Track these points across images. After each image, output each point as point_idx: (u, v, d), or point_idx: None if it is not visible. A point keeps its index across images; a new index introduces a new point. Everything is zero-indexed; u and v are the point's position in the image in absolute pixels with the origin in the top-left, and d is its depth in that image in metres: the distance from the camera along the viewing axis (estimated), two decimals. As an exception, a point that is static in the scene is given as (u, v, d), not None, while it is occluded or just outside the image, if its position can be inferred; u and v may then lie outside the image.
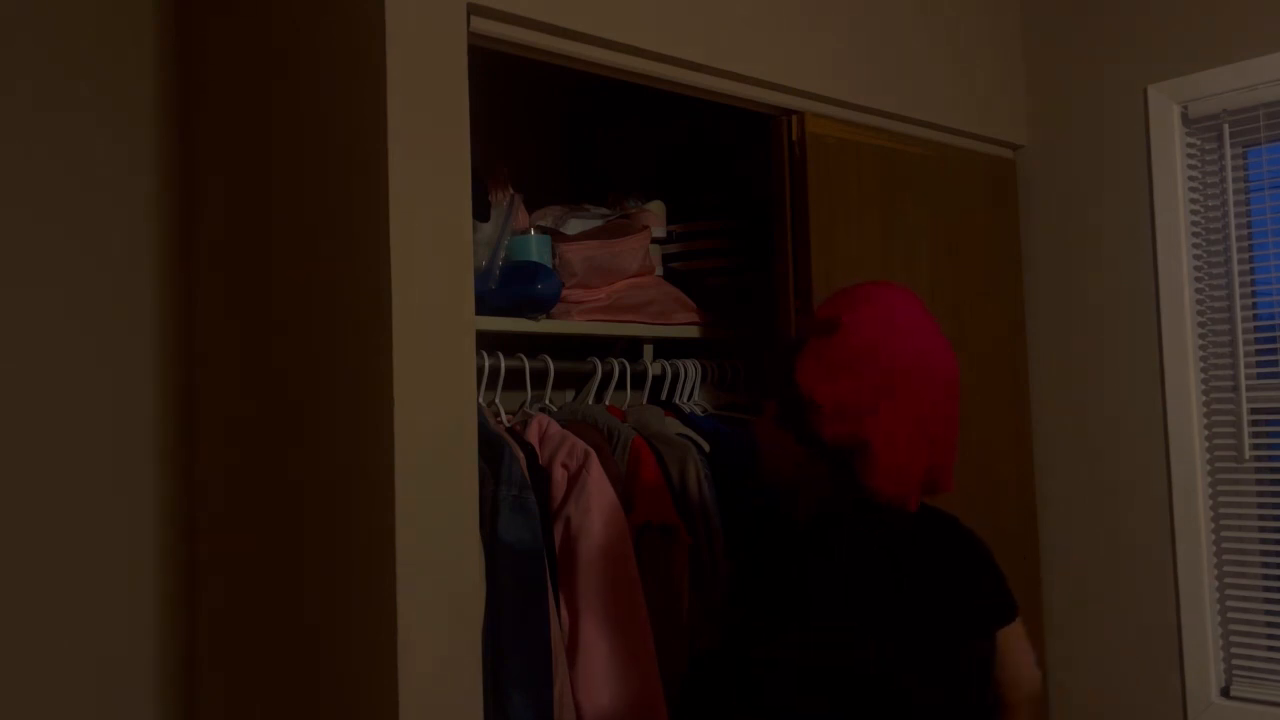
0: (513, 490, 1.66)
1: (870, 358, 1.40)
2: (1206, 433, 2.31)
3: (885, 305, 1.45)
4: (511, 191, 1.93)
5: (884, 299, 1.47)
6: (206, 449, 1.87)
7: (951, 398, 1.45)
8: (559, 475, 1.80)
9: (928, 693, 1.41)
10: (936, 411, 1.42)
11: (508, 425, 1.89)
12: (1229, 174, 2.29)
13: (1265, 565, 2.25)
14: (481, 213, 1.79)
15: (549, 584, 1.67)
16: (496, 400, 1.88)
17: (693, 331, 2.16)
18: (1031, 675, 1.59)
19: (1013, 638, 1.56)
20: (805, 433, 1.43)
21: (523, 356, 1.91)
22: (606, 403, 2.09)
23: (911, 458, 1.41)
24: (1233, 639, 2.28)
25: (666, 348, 2.28)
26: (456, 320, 1.53)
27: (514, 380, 1.92)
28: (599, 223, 2.18)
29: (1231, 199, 2.30)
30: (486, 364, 1.84)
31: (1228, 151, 2.29)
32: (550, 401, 2.00)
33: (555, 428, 1.87)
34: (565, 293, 1.95)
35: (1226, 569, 2.29)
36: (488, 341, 1.83)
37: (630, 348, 2.29)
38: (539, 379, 1.94)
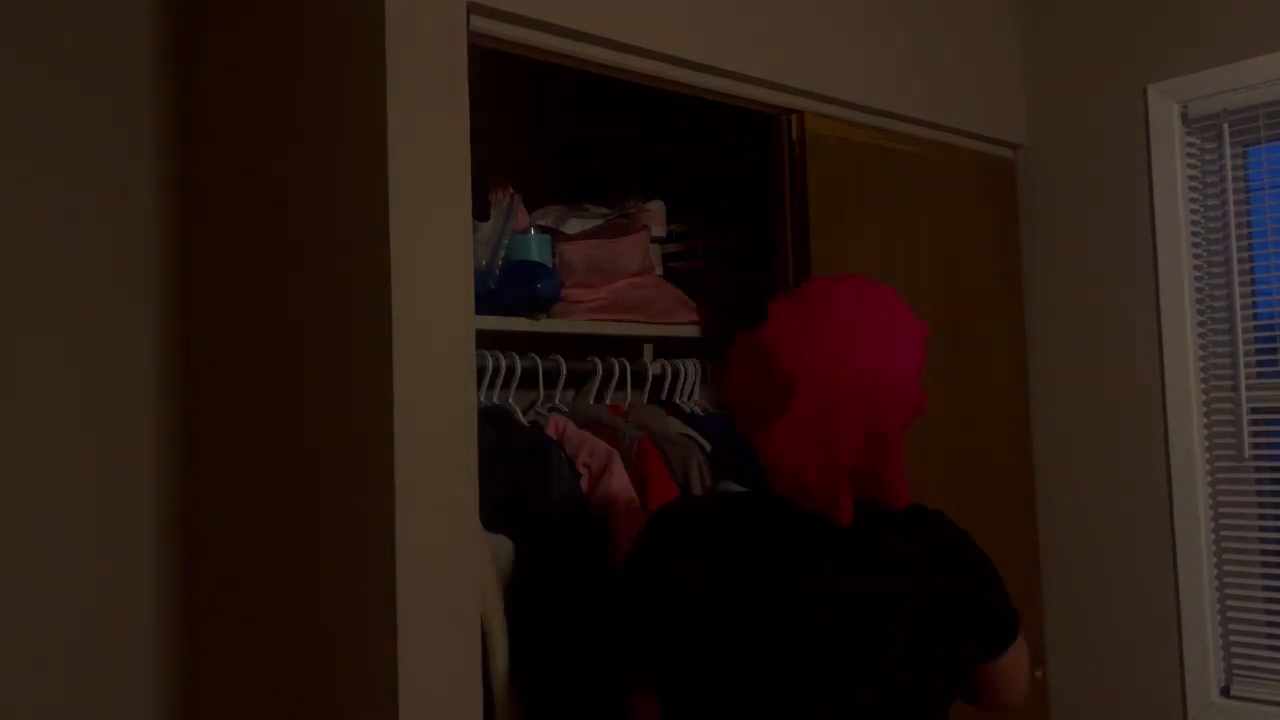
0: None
1: (768, 359, 1.36)
2: (1206, 432, 2.31)
3: (818, 303, 1.38)
4: (511, 191, 1.93)
5: (815, 297, 1.40)
6: (205, 449, 1.87)
7: (869, 404, 1.33)
8: (581, 474, 1.85)
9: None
10: (843, 418, 1.32)
11: (527, 424, 1.91)
12: (1229, 174, 2.29)
13: (1265, 565, 2.25)
14: (481, 213, 1.79)
15: None
16: (510, 399, 1.90)
17: (693, 331, 2.16)
18: (1007, 703, 1.51)
19: (999, 670, 1.47)
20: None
21: (535, 357, 1.92)
22: (607, 402, 2.09)
23: (809, 464, 1.32)
24: (1233, 638, 2.28)
25: (666, 347, 2.28)
26: (456, 320, 1.53)
27: (508, 378, 1.92)
28: (599, 222, 2.18)
29: (1231, 199, 2.30)
30: (503, 364, 1.85)
31: (1227, 151, 2.29)
32: (560, 402, 2.02)
33: (573, 428, 1.90)
34: (565, 292, 1.95)
35: (1226, 569, 2.29)
36: (488, 341, 1.83)
37: (630, 347, 2.29)
38: (531, 378, 1.95)
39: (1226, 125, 2.28)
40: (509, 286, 1.85)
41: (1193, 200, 2.34)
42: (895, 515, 1.40)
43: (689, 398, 2.19)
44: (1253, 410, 2.26)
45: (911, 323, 1.43)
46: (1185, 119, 2.34)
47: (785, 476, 1.35)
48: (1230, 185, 2.30)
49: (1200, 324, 2.33)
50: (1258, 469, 2.26)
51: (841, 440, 1.32)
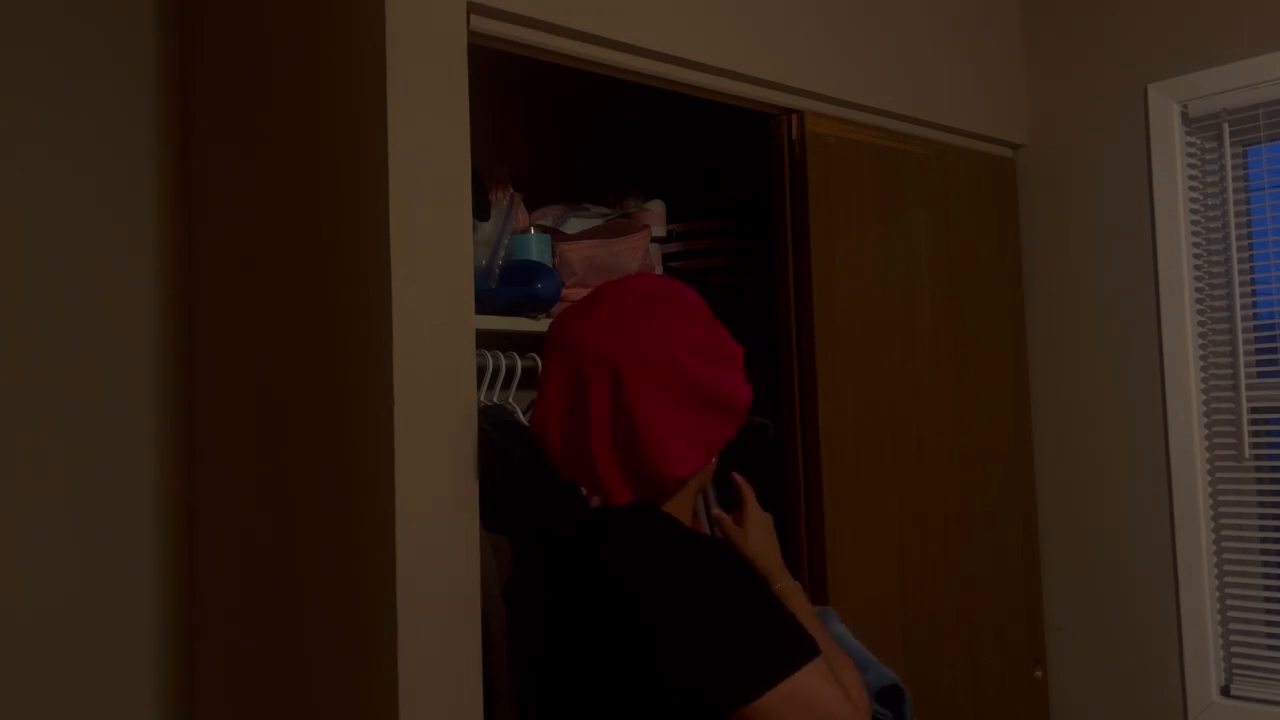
0: None
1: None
2: (1206, 432, 2.31)
3: (595, 291, 1.50)
4: (511, 191, 1.93)
5: (603, 285, 1.51)
6: (205, 449, 1.87)
7: (616, 383, 1.36)
8: None
9: None
10: (590, 396, 1.37)
11: (527, 424, 1.91)
12: (1229, 173, 2.29)
13: (1265, 565, 2.25)
14: (481, 212, 1.79)
15: None
16: (511, 399, 1.89)
17: (693, 331, 2.15)
18: None
19: None
20: None
21: (535, 357, 1.92)
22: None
23: (551, 430, 1.41)
24: (1233, 638, 2.28)
25: (666, 347, 2.28)
26: (456, 320, 1.53)
27: (509, 378, 1.92)
28: (599, 222, 2.18)
29: (1231, 199, 2.30)
30: (503, 364, 1.85)
31: (1228, 151, 2.29)
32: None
33: None
34: (565, 292, 1.95)
35: (1226, 568, 2.29)
36: (488, 341, 1.83)
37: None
38: (531, 378, 1.95)
39: (1226, 125, 2.29)
40: (509, 286, 1.85)
41: (1193, 200, 2.34)
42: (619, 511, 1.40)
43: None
44: (1253, 410, 2.26)
45: (670, 299, 1.43)
46: (1185, 119, 2.34)
47: (542, 444, 1.43)
48: (1230, 185, 2.30)
49: (1200, 324, 2.33)
50: (1258, 469, 2.26)
51: (591, 414, 1.36)
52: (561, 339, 1.43)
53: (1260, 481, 2.26)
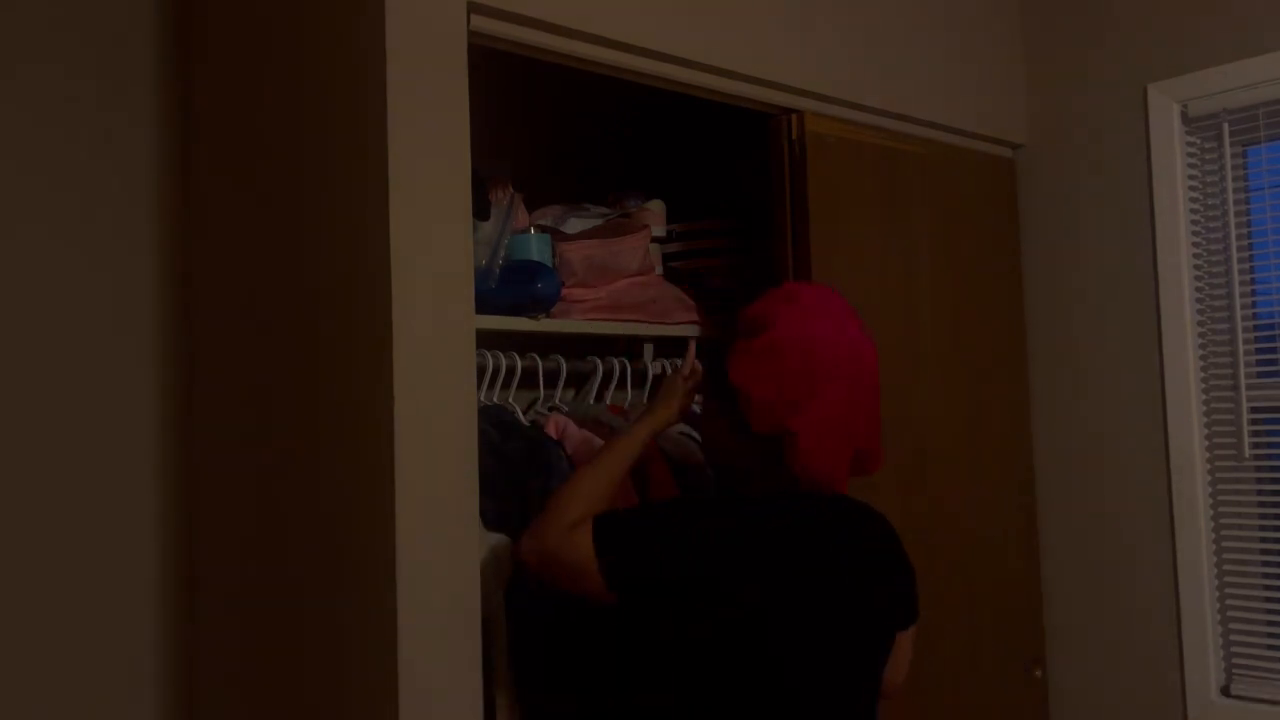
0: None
1: (793, 355, 1.50)
2: (1206, 432, 2.31)
3: (808, 304, 1.56)
4: (511, 191, 1.93)
5: (806, 298, 1.58)
6: (205, 449, 1.87)
7: (873, 388, 1.57)
8: None
9: (816, 680, 1.48)
10: (858, 401, 1.53)
11: (527, 423, 1.91)
12: (1229, 173, 2.29)
13: (1265, 565, 2.25)
14: (481, 212, 1.79)
15: None
16: (510, 399, 1.90)
17: (692, 331, 2.15)
18: (897, 683, 1.69)
19: (904, 641, 1.67)
20: (739, 424, 1.54)
21: (535, 357, 1.92)
22: (607, 402, 2.09)
23: (836, 446, 1.52)
24: (1233, 638, 2.28)
25: (667, 347, 2.28)
26: (456, 320, 1.53)
27: (509, 378, 1.92)
28: (599, 222, 2.18)
29: (1231, 198, 2.30)
30: (503, 364, 1.85)
31: (1227, 151, 2.29)
32: (560, 401, 2.01)
33: (574, 427, 1.90)
34: (565, 292, 1.95)
35: (1226, 568, 2.29)
36: (488, 341, 1.83)
37: (630, 347, 2.29)
38: (531, 378, 1.95)
39: (1226, 125, 2.28)
40: (509, 286, 1.85)
41: (1193, 200, 2.34)
42: (839, 497, 1.59)
43: (689, 397, 2.19)
44: (1253, 410, 2.26)
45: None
46: (1185, 119, 2.34)
47: (822, 453, 1.51)
48: (1230, 185, 2.30)
49: (1200, 324, 2.33)
50: (1258, 469, 2.26)
51: (858, 415, 1.54)
52: (848, 361, 1.52)
53: (1260, 481, 2.26)
